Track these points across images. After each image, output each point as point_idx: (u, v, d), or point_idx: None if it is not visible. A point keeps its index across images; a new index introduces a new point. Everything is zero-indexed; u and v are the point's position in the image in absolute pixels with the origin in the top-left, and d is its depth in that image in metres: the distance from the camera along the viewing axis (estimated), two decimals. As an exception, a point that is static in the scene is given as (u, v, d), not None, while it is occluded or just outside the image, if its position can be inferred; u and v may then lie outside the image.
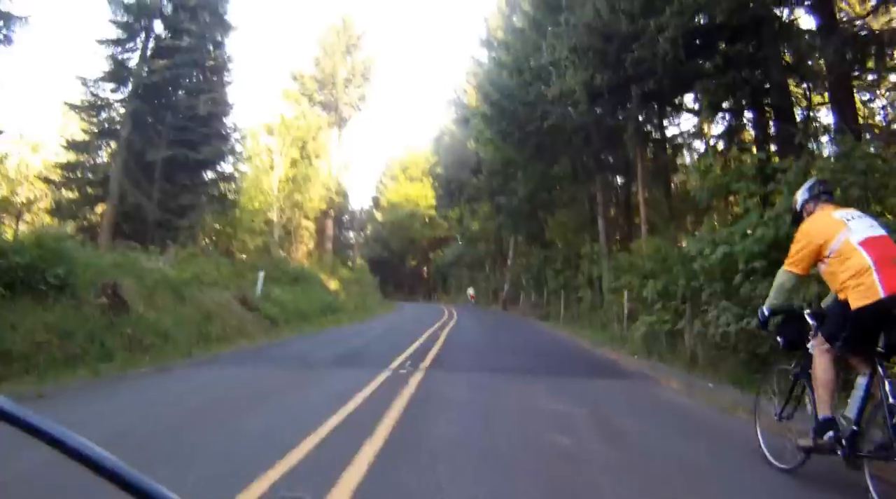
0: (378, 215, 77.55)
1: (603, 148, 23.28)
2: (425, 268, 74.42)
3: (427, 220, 70.33)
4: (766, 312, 4.67)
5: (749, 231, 9.92)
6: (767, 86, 14.19)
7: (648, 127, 20.79)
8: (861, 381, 4.00)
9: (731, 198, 15.26)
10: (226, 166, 29.36)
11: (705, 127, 25.23)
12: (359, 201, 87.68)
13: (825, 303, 4.69)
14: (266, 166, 38.02)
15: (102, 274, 11.23)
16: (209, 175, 28.34)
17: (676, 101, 20.00)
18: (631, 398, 8.29)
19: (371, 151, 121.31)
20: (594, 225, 26.96)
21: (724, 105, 15.87)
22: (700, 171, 12.74)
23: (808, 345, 4.43)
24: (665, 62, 13.50)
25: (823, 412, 4.04)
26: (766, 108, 15.38)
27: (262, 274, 20.00)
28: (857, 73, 13.98)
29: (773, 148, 14.35)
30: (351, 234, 64.95)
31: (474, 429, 5.75)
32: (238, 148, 30.32)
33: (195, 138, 24.98)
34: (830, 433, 3.96)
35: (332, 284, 32.72)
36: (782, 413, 4.87)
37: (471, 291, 52.28)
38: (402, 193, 72.34)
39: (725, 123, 18.41)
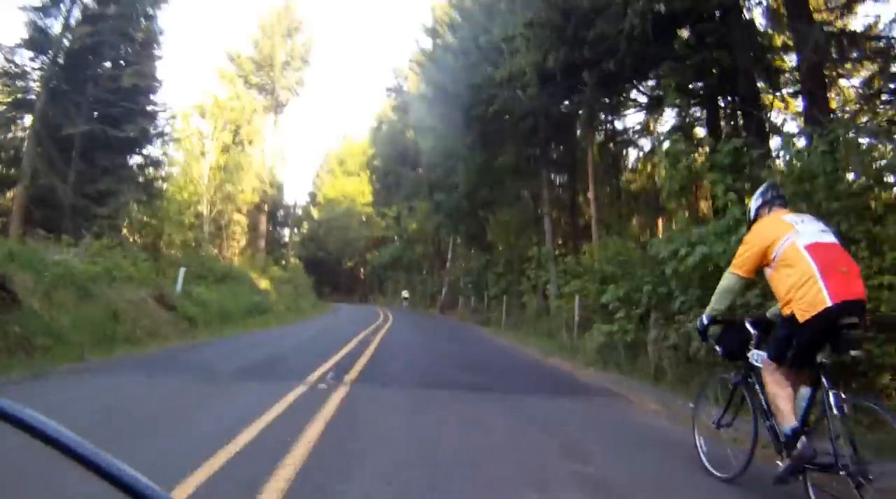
0: (315, 212, 75.64)
1: (550, 139, 22.07)
2: (362, 269, 72.46)
3: (364, 218, 68.96)
4: (707, 321, 4.51)
5: (728, 230, 8.66)
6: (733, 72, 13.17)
7: (601, 117, 19.62)
8: (804, 391, 3.96)
9: (694, 195, 14.24)
10: (153, 150, 27.14)
11: (651, 124, 24.59)
12: (295, 197, 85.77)
13: (770, 313, 4.46)
14: (197, 152, 35.36)
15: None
16: (135, 160, 26.19)
17: (624, 95, 19.07)
18: (607, 425, 6.81)
19: (308, 145, 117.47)
20: (538, 225, 25.73)
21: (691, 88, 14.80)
22: (668, 157, 11.38)
23: (749, 354, 4.36)
24: (631, 38, 12.26)
25: (789, 424, 3.83)
26: (732, 99, 14.48)
27: (182, 270, 18.12)
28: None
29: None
30: (285, 231, 62.10)
31: (414, 485, 3.96)
32: (167, 130, 28.04)
33: (117, 114, 22.87)
34: (804, 439, 3.75)
35: (263, 284, 30.63)
36: (721, 421, 4.78)
37: (405, 294, 50.77)
38: (339, 188, 71.01)
39: (675, 118, 17.58)
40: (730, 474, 4.46)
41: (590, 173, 19.64)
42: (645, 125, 24.99)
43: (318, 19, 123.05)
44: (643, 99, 19.96)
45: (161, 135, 27.14)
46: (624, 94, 19.67)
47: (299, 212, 61.57)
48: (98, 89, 22.76)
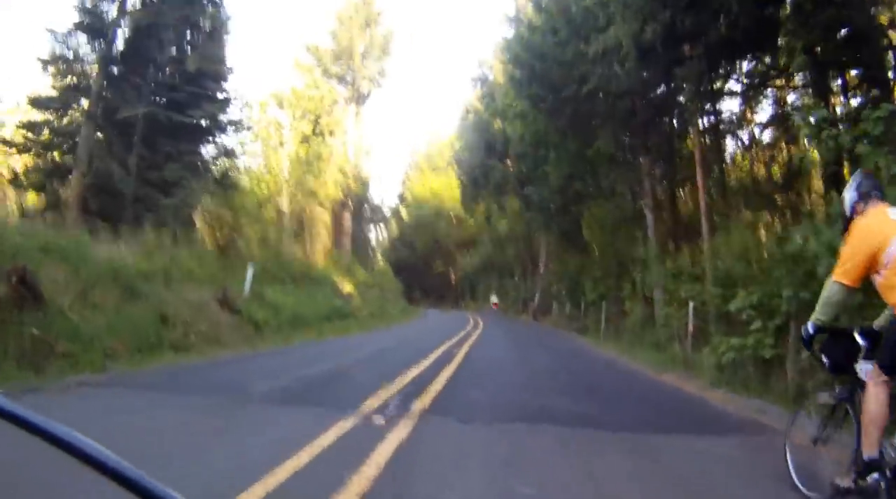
0: (404, 213, 74.71)
1: (648, 124, 19.74)
2: (453, 274, 70.86)
3: (454, 218, 67.24)
4: (812, 330, 4.03)
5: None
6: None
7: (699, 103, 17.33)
8: None
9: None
10: (226, 140, 26.25)
11: (748, 113, 22.08)
12: (383, 197, 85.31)
13: (878, 324, 3.90)
14: (275, 143, 34.48)
15: (21, 259, 8.63)
16: (208, 150, 25.20)
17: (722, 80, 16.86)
18: (784, 486, 4.43)
19: (398, 143, 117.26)
20: (636, 222, 23.43)
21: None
22: (810, 128, 9.16)
23: (857, 367, 3.83)
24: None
25: (870, 452, 3.48)
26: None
27: (251, 269, 16.89)
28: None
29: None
30: (372, 230, 60.82)
31: None
32: (240, 118, 27.00)
33: (182, 99, 21.57)
34: (875, 476, 3.45)
35: (347, 287, 29.49)
36: (819, 437, 4.25)
37: (494, 298, 49.00)
38: (427, 186, 69.45)
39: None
40: (824, 496, 3.94)
41: (697, 159, 17.28)
42: (741, 115, 22.43)
43: (400, 12, 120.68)
44: (738, 87, 18.43)
45: (234, 124, 26.00)
46: (722, 79, 17.51)
47: (387, 210, 60.11)
48: (160, 74, 21.89)
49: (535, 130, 25.71)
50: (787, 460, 4.48)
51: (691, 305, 12.89)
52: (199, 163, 23.61)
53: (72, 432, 0.73)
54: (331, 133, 39.08)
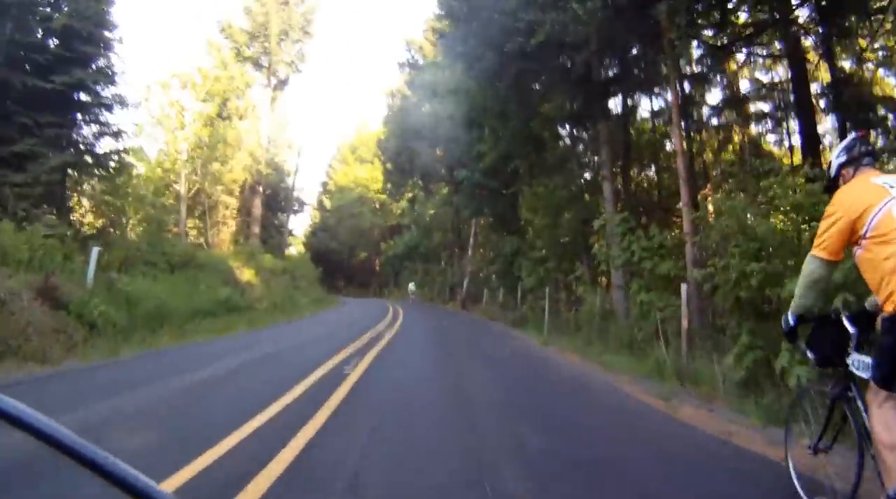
0: (327, 202, 71.11)
1: (610, 82, 16.27)
2: (377, 261, 67.30)
3: (378, 206, 63.89)
4: (793, 320, 3.50)
5: None
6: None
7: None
8: None
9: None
10: (115, 119, 21.82)
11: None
12: (305, 187, 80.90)
13: (869, 304, 3.40)
14: (175, 125, 29.81)
15: None
16: (89, 129, 20.69)
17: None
18: None
19: (322, 136, 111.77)
20: (587, 199, 20.16)
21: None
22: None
23: (848, 360, 3.28)
24: None
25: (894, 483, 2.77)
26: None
27: (95, 252, 12.87)
28: None
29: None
30: (291, 219, 56.11)
31: None
32: (129, 95, 22.56)
33: (45, 61, 17.22)
34: None
35: (246, 275, 25.12)
36: (818, 445, 3.69)
37: (412, 287, 45.95)
38: (352, 175, 66.15)
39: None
40: None
41: (674, 109, 13.83)
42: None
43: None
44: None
45: (119, 100, 21.57)
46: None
47: (310, 199, 55.04)
48: (18, 32, 17.36)
49: (470, 107, 22.26)
50: (791, 476, 3.92)
51: (684, 289, 9.39)
52: (60, 136, 18.84)
53: (65, 430, 0.70)
54: (240, 117, 34.32)
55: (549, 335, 16.29)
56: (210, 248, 30.95)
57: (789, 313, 3.51)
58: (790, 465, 3.98)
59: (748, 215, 8.00)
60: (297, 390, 6.81)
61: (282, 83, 40.07)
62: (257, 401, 5.97)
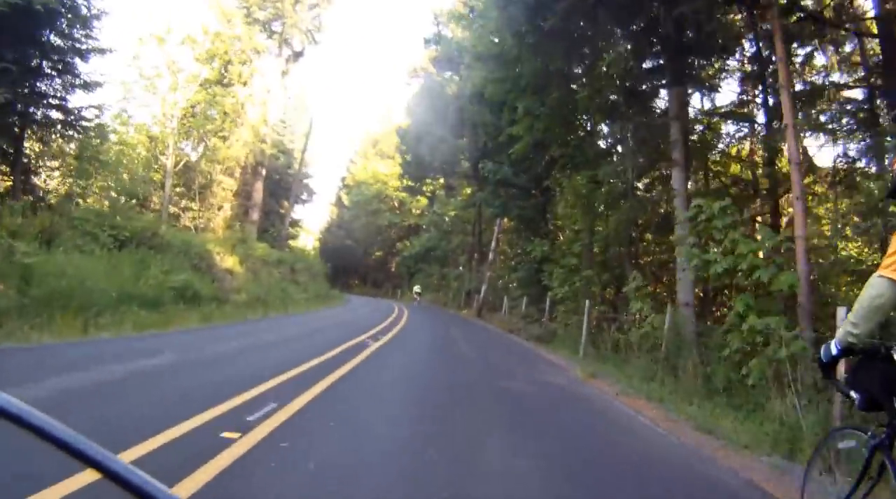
0: (345, 198, 67.87)
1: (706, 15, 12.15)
2: (394, 262, 63.96)
3: (396, 205, 60.39)
4: (836, 350, 2.78)
5: None
6: None
7: None
8: None
9: None
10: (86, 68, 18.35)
11: None
12: (324, 183, 78.12)
13: None
14: (167, 88, 26.18)
15: None
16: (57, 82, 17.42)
17: None
18: None
19: (342, 129, 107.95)
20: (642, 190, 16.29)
21: None
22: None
23: None
24: None
25: None
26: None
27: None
28: None
29: None
30: (293, 205, 51.52)
31: None
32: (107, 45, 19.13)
33: None
34: None
35: (228, 262, 21.37)
36: None
37: (417, 289, 44.28)
38: (371, 170, 62.73)
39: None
40: None
41: (781, 69, 9.92)
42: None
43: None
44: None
45: (98, 50, 18.07)
46: None
47: (312, 185, 50.60)
48: None
49: (501, 78, 18.87)
50: None
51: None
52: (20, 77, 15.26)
53: (78, 435, 0.69)
54: (244, 84, 30.43)
55: (589, 360, 12.39)
56: (202, 231, 27.41)
57: (834, 342, 2.81)
58: None
59: None
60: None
61: (296, 55, 35.92)
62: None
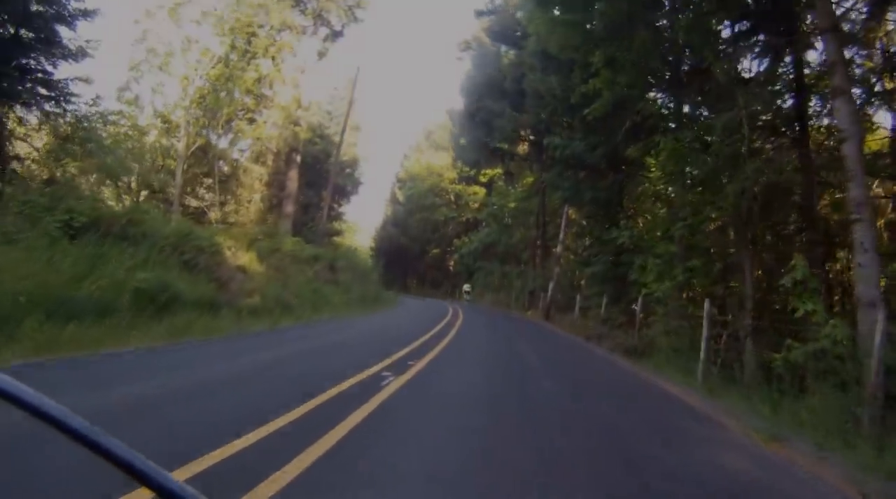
0: (399, 195, 64.34)
1: None
2: (452, 260, 60.13)
3: (453, 199, 56.49)
4: None
5: None
6: None
7: None
8: None
9: None
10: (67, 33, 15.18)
11: None
12: (378, 180, 75.22)
13: None
14: (181, 65, 22.88)
15: None
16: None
17: None
18: None
19: (395, 124, 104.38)
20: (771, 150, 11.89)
21: None
22: None
23: None
24: None
25: None
26: None
27: None
28: None
29: None
30: (331, 195, 47.37)
31: None
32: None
33: None
34: None
35: (242, 259, 17.63)
36: None
37: (467, 287, 42.90)
38: (425, 163, 59.18)
39: None
40: None
41: None
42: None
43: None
44: None
45: (83, 12, 14.91)
46: None
47: (357, 176, 46.32)
48: None
49: (572, 20, 15.04)
50: None
51: None
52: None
53: (73, 414, 0.70)
54: (272, 58, 26.66)
55: (715, 388, 8.19)
56: (229, 225, 23.93)
57: None
58: None
59: None
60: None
61: (335, 34, 32.05)
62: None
